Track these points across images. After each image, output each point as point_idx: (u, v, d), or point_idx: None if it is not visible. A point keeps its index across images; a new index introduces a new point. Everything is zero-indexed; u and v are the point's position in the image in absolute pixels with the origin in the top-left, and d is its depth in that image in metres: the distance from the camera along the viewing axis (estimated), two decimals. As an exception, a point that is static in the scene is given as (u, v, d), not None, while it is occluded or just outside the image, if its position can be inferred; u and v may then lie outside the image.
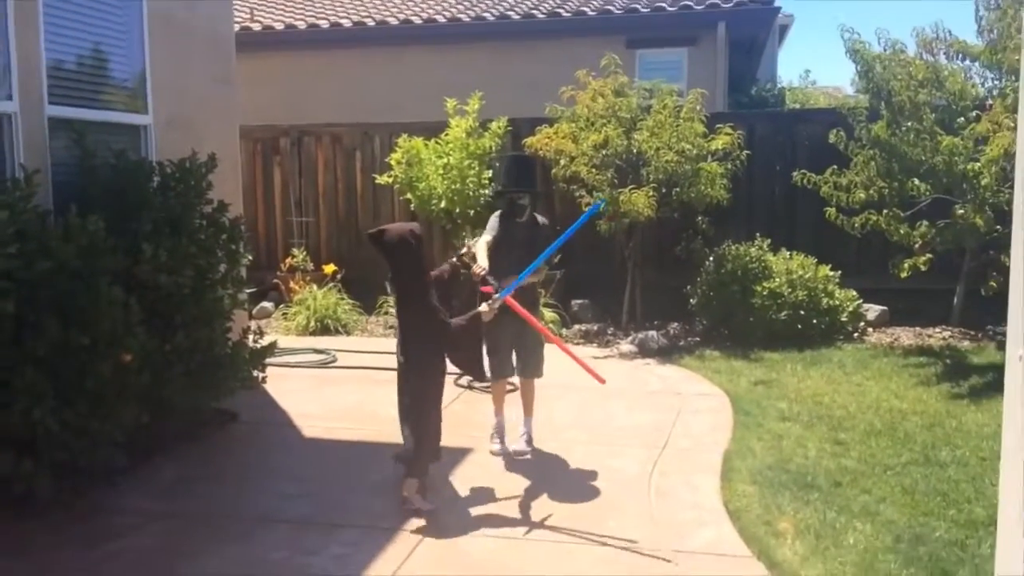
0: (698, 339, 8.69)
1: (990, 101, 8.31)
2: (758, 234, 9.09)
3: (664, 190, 8.78)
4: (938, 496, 4.64)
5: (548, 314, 8.77)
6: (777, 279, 8.49)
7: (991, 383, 6.69)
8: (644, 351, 8.31)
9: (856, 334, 8.61)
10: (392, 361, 7.98)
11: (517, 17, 13.30)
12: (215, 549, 4.21)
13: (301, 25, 13.86)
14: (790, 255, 8.87)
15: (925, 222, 8.31)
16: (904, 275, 8.31)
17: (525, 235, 5.33)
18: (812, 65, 60.04)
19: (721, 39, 12.72)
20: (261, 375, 6.18)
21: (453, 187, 9.42)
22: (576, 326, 9.24)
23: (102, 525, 4.46)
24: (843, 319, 8.60)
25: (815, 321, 8.42)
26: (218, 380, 5.65)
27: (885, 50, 8.42)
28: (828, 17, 51.93)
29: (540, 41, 13.07)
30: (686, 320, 9.10)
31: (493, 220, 5.41)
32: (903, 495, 4.68)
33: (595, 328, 9.20)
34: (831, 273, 8.74)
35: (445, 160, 9.52)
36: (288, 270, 10.48)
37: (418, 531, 4.33)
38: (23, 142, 4.99)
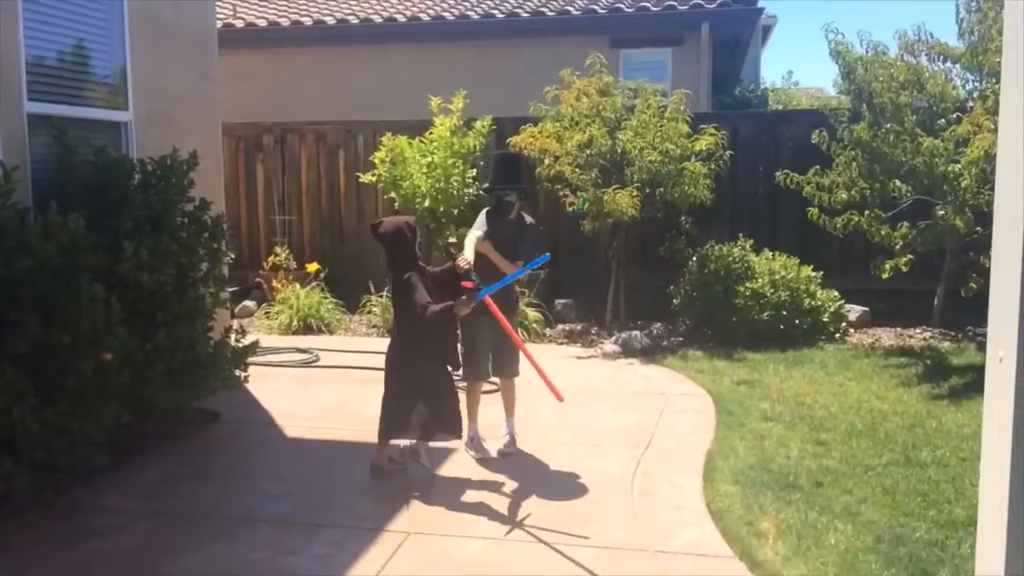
0: (681, 339, 8.72)
1: (971, 103, 8.38)
2: (741, 234, 9.13)
3: (648, 190, 8.80)
4: (918, 496, 4.67)
5: (532, 314, 8.78)
6: (760, 279, 8.52)
7: (971, 384, 6.74)
8: (628, 351, 8.33)
9: (838, 334, 8.66)
10: (375, 361, 7.98)
11: (501, 16, 13.30)
12: (196, 549, 4.18)
13: (284, 22, 13.80)
14: (773, 255, 8.91)
15: (906, 223, 8.37)
16: (885, 276, 8.37)
17: (512, 233, 5.33)
18: (795, 66, 60.27)
19: (705, 39, 12.77)
20: (243, 374, 6.14)
21: (437, 186, 9.40)
22: (560, 326, 9.24)
23: (83, 525, 4.43)
24: (825, 319, 8.65)
25: (797, 321, 8.46)
26: (200, 379, 5.62)
27: (867, 52, 8.47)
28: (811, 18, 52.31)
29: (524, 40, 13.08)
30: (669, 320, 9.12)
31: (481, 217, 5.41)
32: (884, 495, 4.70)
33: (579, 328, 9.21)
34: (813, 274, 8.79)
35: (429, 159, 9.50)
36: (271, 269, 10.43)
37: (401, 531, 4.32)
38: (2, 138, 4.93)
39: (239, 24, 13.75)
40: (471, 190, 9.54)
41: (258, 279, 10.48)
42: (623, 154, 8.85)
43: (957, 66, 8.46)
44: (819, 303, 8.66)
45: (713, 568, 3.98)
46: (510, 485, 4.97)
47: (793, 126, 9.96)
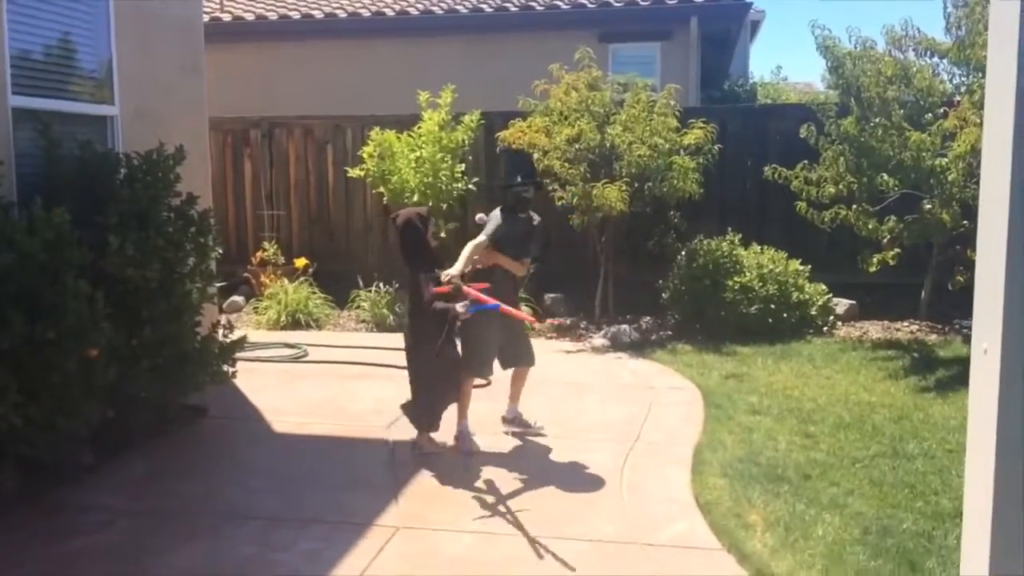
0: (670, 333, 8.73)
1: (958, 98, 8.40)
2: (729, 228, 9.15)
3: (637, 184, 8.80)
4: (905, 488, 4.70)
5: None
6: (748, 273, 8.54)
7: (957, 376, 6.78)
8: (616, 345, 8.33)
9: (826, 328, 8.69)
10: (363, 356, 7.96)
11: (490, 10, 13.28)
12: (183, 545, 4.16)
13: (272, 16, 13.75)
14: (761, 249, 8.93)
15: (893, 217, 8.40)
16: (873, 269, 8.40)
17: (523, 232, 5.40)
18: (784, 61, 60.54)
19: (694, 34, 12.78)
20: (231, 370, 6.10)
21: (426, 180, 9.37)
22: (549, 320, 9.24)
23: (68, 521, 4.40)
24: (813, 313, 8.68)
25: (785, 315, 8.49)
26: (187, 375, 5.59)
27: (855, 47, 8.48)
28: (799, 13, 52.40)
29: (513, 34, 13.06)
30: (658, 314, 9.13)
31: (496, 215, 5.41)
32: (871, 487, 4.73)
33: (568, 322, 9.21)
34: (801, 267, 8.82)
35: (418, 153, 9.48)
36: (259, 264, 10.39)
37: (390, 526, 4.32)
38: (-14, 133, 4.91)
39: (226, 18, 13.69)
40: (459, 185, 9.53)
41: (246, 274, 10.44)
42: (612, 148, 8.85)
43: (944, 61, 8.48)
44: (807, 297, 8.68)
45: (702, 560, 3.99)
46: (499, 479, 4.97)
47: (781, 120, 9.98)
